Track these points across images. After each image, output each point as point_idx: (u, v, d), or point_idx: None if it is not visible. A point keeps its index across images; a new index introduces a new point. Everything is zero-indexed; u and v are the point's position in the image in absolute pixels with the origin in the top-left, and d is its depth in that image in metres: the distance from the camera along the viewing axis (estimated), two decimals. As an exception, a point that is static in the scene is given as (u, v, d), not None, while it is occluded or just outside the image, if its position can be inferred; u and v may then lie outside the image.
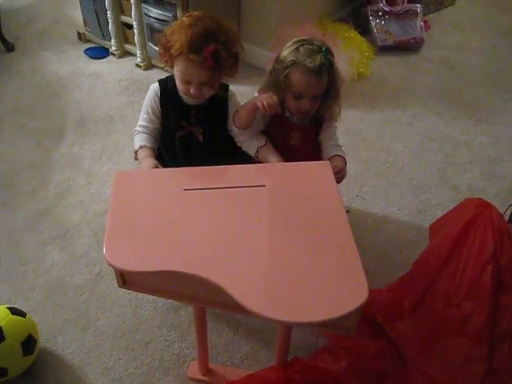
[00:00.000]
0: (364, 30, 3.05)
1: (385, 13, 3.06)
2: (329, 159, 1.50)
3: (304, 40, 1.51)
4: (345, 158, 1.54)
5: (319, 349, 1.53)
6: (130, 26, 2.79)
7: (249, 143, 1.55)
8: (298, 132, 1.60)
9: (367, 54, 2.89)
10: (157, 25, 2.60)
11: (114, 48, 2.94)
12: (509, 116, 2.59)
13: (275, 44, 2.56)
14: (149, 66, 2.85)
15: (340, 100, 1.57)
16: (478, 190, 2.15)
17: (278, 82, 1.52)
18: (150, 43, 2.73)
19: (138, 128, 1.55)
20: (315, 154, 1.60)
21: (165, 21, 2.54)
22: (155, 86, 1.54)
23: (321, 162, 1.43)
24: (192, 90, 1.43)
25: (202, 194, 1.27)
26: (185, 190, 1.27)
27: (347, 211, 1.27)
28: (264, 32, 2.70)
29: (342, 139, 1.65)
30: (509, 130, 2.49)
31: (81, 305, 1.70)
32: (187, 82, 1.44)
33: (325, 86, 1.50)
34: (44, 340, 1.59)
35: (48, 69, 2.85)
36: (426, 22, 3.18)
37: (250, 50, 2.75)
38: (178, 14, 2.47)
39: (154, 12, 2.57)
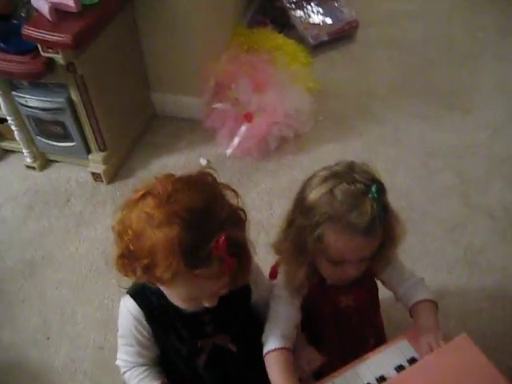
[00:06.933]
0: (283, 26, 2.52)
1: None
2: (413, 306, 1.11)
3: (338, 173, 0.98)
4: (436, 303, 1.11)
5: None
6: (2, 120, 2.01)
7: None
8: (349, 294, 1.14)
9: (304, 60, 2.37)
10: (45, 115, 1.85)
11: (-16, 152, 2.13)
12: (485, 96, 2.24)
13: (200, 85, 2.09)
14: (44, 163, 2.07)
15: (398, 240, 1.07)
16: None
17: (303, 243, 1.00)
18: (38, 137, 1.97)
19: (121, 363, 1.07)
20: (374, 306, 1.23)
21: (56, 109, 1.81)
22: (132, 310, 0.99)
23: (458, 337, 1.00)
24: (206, 304, 0.92)
25: None
26: None
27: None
28: (182, 75, 2.07)
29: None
30: (495, 115, 2.15)
31: None
32: (193, 299, 0.92)
33: (378, 243, 1.00)
34: None
35: None
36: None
37: (170, 101, 2.16)
38: (74, 98, 1.76)
39: (35, 100, 1.81)
